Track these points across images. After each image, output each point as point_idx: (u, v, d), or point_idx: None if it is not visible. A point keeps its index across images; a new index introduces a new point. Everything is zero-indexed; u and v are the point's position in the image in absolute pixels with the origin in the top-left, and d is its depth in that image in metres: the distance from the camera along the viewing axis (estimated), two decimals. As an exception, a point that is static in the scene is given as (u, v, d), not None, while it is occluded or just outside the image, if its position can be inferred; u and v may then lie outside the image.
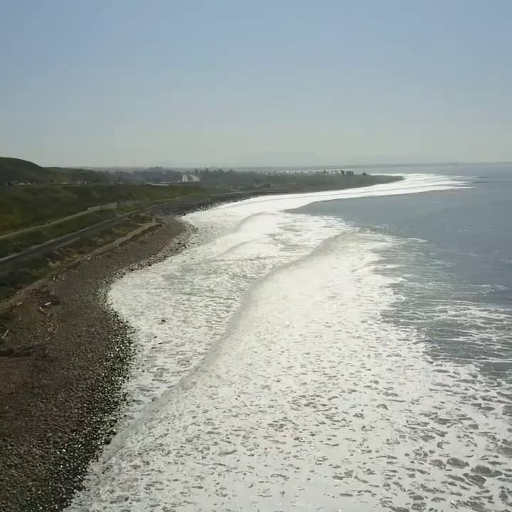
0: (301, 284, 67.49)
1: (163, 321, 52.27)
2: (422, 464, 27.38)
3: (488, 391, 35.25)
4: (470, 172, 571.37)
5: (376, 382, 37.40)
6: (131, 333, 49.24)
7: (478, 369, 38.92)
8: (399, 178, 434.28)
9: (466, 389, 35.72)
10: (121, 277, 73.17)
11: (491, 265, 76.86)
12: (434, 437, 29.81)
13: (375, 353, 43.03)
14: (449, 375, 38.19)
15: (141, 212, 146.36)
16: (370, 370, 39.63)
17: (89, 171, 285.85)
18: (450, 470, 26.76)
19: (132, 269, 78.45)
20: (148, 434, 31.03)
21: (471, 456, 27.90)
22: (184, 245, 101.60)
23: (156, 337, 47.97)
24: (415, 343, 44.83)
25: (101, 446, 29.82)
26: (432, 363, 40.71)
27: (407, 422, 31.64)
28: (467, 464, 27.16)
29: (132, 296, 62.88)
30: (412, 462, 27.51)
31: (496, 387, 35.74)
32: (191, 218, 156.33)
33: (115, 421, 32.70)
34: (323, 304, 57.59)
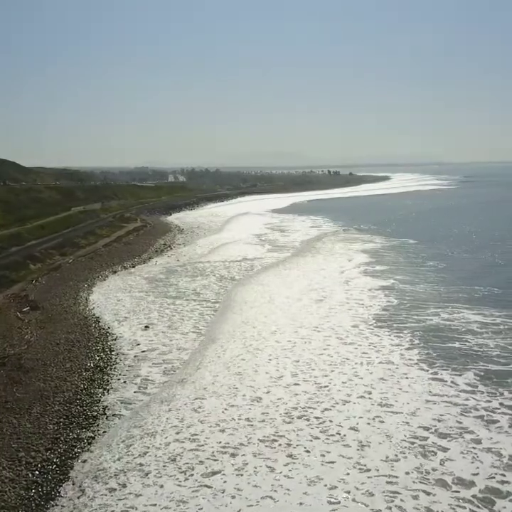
0: (288, 286, 65.52)
1: (146, 327, 49.93)
2: (425, 484, 25.45)
3: (490, 402, 33.41)
4: (455, 172, 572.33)
5: (370, 392, 35.45)
6: (113, 340, 46.92)
7: (478, 377, 37.08)
8: (385, 178, 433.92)
9: (467, 399, 33.84)
10: (104, 280, 70.72)
11: (480, 265, 75.62)
12: (436, 453, 27.90)
13: (368, 360, 41.16)
14: (446, 385, 36.31)
15: (126, 213, 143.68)
16: (362, 378, 37.72)
17: (74, 170, 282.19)
18: (457, 491, 24.83)
19: (115, 272, 76.01)
20: (127, 452, 28.80)
21: (478, 474, 26.02)
22: (169, 246, 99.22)
23: (139, 344, 45.70)
24: (409, 349, 43.02)
25: (77, 467, 27.56)
26: (427, 371, 38.86)
27: (406, 436, 29.71)
28: (474, 484, 25.27)
29: (115, 300, 60.50)
30: (415, 482, 25.57)
31: (498, 397, 33.93)
32: (177, 218, 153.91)
33: (93, 438, 30.43)
34: (311, 308, 55.68)
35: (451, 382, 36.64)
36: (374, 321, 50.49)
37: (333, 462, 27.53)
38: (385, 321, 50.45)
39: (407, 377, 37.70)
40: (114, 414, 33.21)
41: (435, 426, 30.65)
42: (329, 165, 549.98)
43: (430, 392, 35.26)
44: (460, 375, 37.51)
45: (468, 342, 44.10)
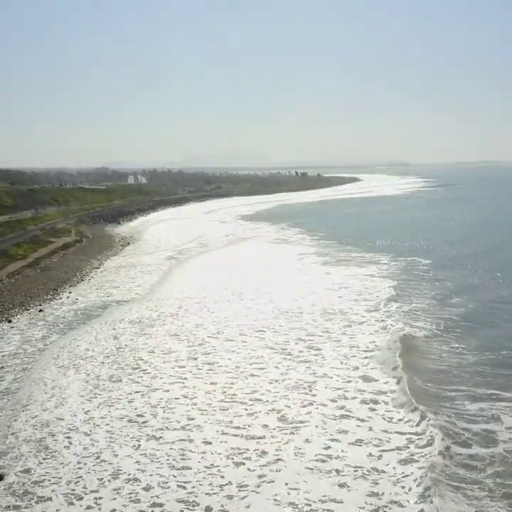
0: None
1: (-1, 477, 25.76)
2: None
3: None
4: (425, 173, 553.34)
5: None
6: None
7: None
8: (354, 180, 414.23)
9: None
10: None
11: None
12: None
13: None
14: None
15: (62, 223, 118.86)
16: None
17: (17, 171, 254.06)
18: None
19: (10, 320, 51.64)
20: None
21: None
22: (105, 270, 75.30)
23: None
24: None
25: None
26: None
27: None
28: None
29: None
30: None
31: None
32: (126, 228, 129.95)
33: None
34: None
35: None
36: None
37: None
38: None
39: None
40: None
41: None
42: (293, 166, 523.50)
43: None
44: None
45: None
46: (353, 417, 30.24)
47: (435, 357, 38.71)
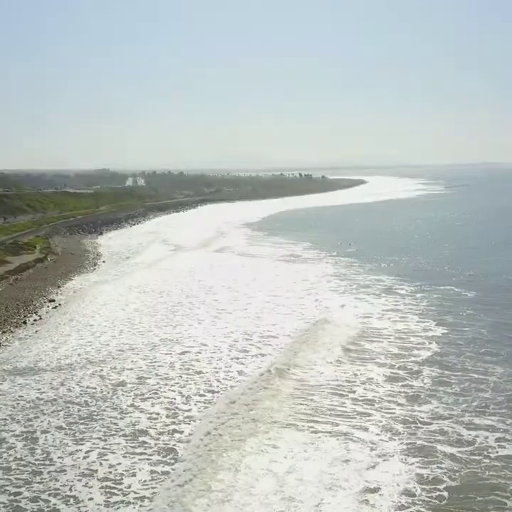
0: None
1: None
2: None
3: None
4: (429, 175, 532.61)
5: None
6: None
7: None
8: (361, 182, 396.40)
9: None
10: None
11: None
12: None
13: None
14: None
15: (31, 235, 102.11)
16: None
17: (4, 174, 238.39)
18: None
19: None
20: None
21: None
22: (60, 304, 58.62)
23: None
24: None
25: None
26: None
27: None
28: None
29: None
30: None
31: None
32: (107, 240, 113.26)
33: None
34: None
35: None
36: None
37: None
38: None
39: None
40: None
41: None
42: (297, 168, 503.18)
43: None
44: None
45: None
46: None
47: None
